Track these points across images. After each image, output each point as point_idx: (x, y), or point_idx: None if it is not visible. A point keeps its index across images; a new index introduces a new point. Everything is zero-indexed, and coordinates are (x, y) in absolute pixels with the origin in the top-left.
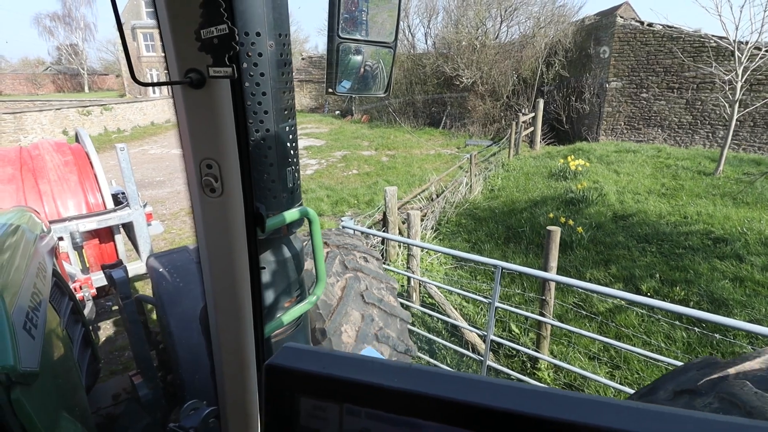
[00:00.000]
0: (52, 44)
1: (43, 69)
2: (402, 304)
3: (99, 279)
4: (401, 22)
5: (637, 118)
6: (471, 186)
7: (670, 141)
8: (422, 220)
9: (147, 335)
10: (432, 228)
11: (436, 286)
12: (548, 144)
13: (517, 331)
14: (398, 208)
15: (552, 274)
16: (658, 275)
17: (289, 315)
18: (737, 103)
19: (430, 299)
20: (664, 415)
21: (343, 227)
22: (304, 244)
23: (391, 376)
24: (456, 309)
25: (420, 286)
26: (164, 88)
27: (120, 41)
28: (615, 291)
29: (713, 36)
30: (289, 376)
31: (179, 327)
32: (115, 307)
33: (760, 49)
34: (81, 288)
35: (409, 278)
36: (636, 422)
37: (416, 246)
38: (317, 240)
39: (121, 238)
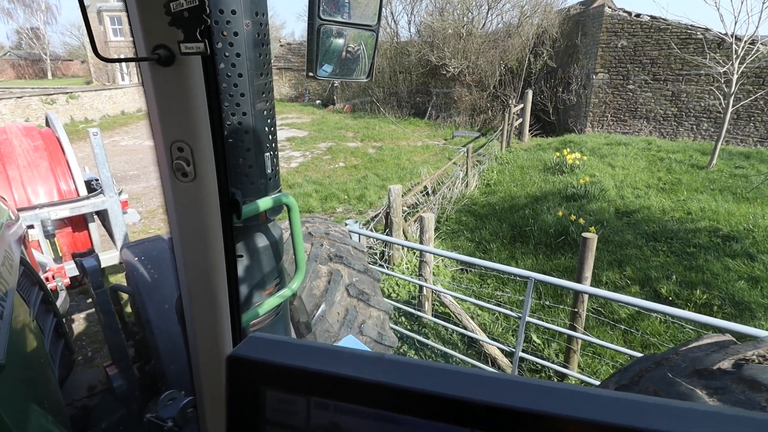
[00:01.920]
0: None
1: (2, 54)
2: (412, 314)
3: (72, 268)
4: (384, 8)
5: (624, 110)
6: (467, 181)
7: (656, 133)
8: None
9: (123, 325)
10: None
11: (452, 296)
12: (535, 135)
13: (538, 341)
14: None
15: (594, 289)
16: (674, 277)
17: (267, 304)
18: (732, 97)
19: (442, 308)
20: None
21: (349, 231)
22: (284, 232)
23: (361, 367)
24: (471, 317)
25: (432, 294)
26: (135, 75)
27: (81, 14)
28: (663, 307)
29: (699, 27)
30: (254, 367)
31: (157, 316)
32: (89, 300)
33: (754, 43)
34: (53, 278)
35: (420, 287)
36: (612, 413)
37: (430, 253)
38: (296, 228)
39: (95, 227)
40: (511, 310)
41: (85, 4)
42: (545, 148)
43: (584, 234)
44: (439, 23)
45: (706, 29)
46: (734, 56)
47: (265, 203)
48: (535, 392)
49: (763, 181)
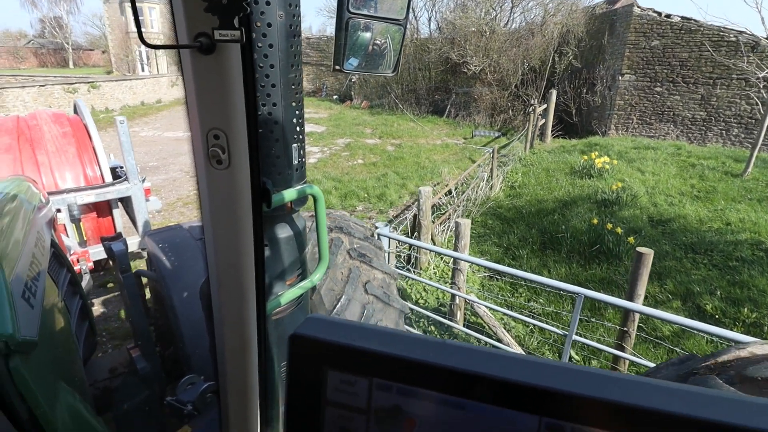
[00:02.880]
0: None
1: (26, 42)
2: (442, 323)
3: (96, 252)
4: (411, 2)
5: (650, 113)
6: (492, 183)
7: (683, 137)
8: (447, 219)
9: (146, 309)
10: None
11: (486, 306)
12: (556, 137)
13: (577, 358)
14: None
15: (653, 310)
16: (718, 292)
17: (290, 294)
18: None
19: (474, 317)
20: (669, 390)
21: (379, 235)
22: (308, 223)
23: (424, 350)
24: (506, 329)
25: (465, 304)
26: (155, 66)
27: (130, 3)
28: (721, 330)
29: (732, 30)
30: (316, 346)
31: (179, 302)
32: (111, 284)
33: None
34: (78, 261)
35: (453, 296)
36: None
37: (470, 262)
38: (322, 219)
39: (119, 213)
40: (551, 324)
41: None
42: (569, 150)
43: (638, 248)
44: (462, 20)
45: (740, 32)
46: None
47: (291, 193)
48: (604, 381)
49: None
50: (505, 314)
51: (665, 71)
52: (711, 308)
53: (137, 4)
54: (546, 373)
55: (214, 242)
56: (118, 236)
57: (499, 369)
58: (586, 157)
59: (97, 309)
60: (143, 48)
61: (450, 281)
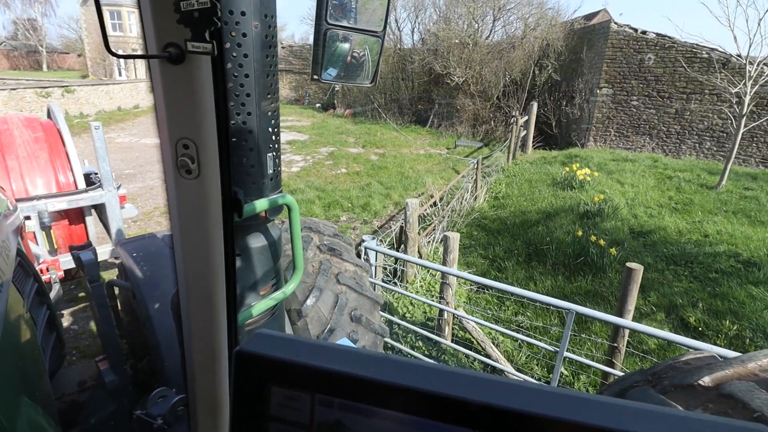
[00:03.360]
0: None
1: None
2: (430, 339)
3: (67, 261)
4: (389, 14)
5: (627, 126)
6: (476, 193)
7: (658, 150)
8: (432, 231)
9: (118, 320)
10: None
11: (475, 322)
12: (537, 148)
13: (566, 372)
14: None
15: (645, 327)
16: (700, 304)
17: (263, 304)
18: (744, 117)
19: (462, 332)
20: (633, 410)
21: (366, 249)
22: (283, 231)
23: (366, 366)
24: (494, 343)
25: (454, 319)
26: (133, 71)
27: (95, 8)
28: (707, 345)
29: (705, 47)
30: (260, 363)
31: (153, 313)
32: (82, 294)
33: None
34: (48, 270)
35: (441, 310)
36: (606, 418)
37: (459, 277)
38: (296, 229)
39: (92, 220)
40: (540, 339)
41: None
42: (551, 161)
43: (628, 264)
44: (445, 32)
45: (712, 49)
46: (747, 77)
47: (264, 203)
48: (537, 396)
49: None
50: (493, 329)
51: (641, 86)
52: (694, 321)
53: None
54: (483, 388)
55: (183, 252)
56: (88, 245)
57: (437, 384)
58: (567, 168)
59: (70, 321)
60: (120, 52)
61: (438, 296)
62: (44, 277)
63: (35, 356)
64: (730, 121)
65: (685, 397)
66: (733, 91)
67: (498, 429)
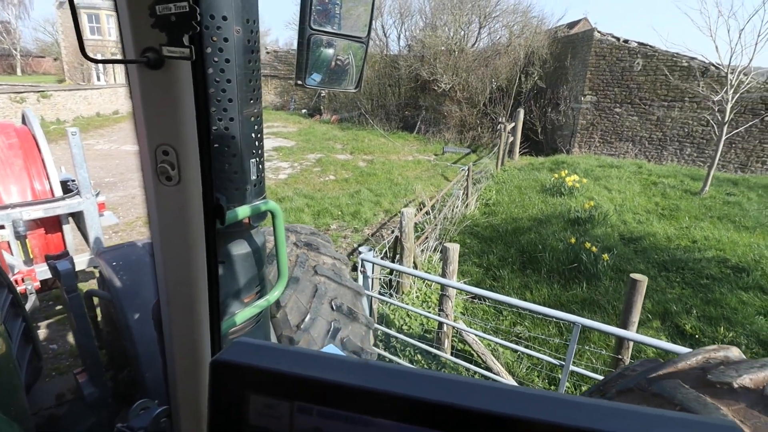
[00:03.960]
0: None
1: None
2: (429, 352)
3: (43, 271)
4: (374, 20)
5: (610, 132)
6: (468, 201)
7: (641, 156)
8: (426, 239)
9: (97, 331)
10: (437, 249)
11: (476, 335)
12: (523, 154)
13: (568, 384)
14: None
15: (650, 339)
16: (694, 311)
17: (248, 311)
18: (726, 125)
19: (462, 345)
20: (606, 409)
21: (363, 260)
22: (267, 238)
23: (345, 372)
24: (494, 355)
25: (453, 331)
26: (111, 75)
27: (71, 12)
28: None
29: (684, 56)
30: (238, 372)
31: (134, 323)
32: (59, 307)
33: (747, 74)
34: (23, 281)
35: (440, 323)
36: (584, 418)
37: (455, 288)
38: (280, 235)
39: (69, 229)
40: (544, 353)
41: (75, 1)
42: (538, 167)
43: (632, 275)
44: (431, 39)
45: (692, 58)
46: (729, 85)
47: (247, 210)
48: (516, 398)
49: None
50: (494, 342)
51: (624, 93)
52: (690, 328)
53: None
54: (462, 392)
55: (164, 261)
56: (64, 254)
57: (416, 388)
58: (556, 175)
59: (48, 338)
60: (99, 56)
61: (438, 308)
62: (19, 288)
63: (10, 369)
64: (710, 128)
65: (625, 401)
66: (715, 99)
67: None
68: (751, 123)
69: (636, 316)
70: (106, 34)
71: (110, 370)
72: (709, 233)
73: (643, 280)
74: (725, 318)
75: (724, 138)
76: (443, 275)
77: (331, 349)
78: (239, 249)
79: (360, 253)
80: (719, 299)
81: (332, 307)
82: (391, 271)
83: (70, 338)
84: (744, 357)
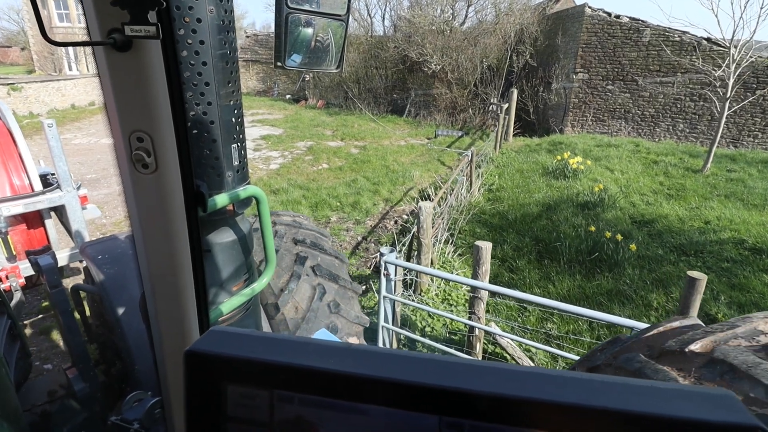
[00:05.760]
0: None
1: None
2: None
3: (27, 268)
4: None
5: (603, 110)
6: (471, 188)
7: (634, 133)
8: (435, 231)
9: (86, 326)
10: (448, 241)
11: (510, 338)
12: (516, 135)
13: None
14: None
15: None
16: (722, 297)
17: (236, 300)
18: (728, 100)
19: (492, 347)
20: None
21: (386, 263)
22: (253, 224)
23: (326, 357)
24: (529, 357)
25: (485, 335)
26: (85, 64)
27: None
28: None
29: (676, 30)
30: (213, 362)
31: (122, 316)
32: (45, 303)
33: (749, 49)
34: (7, 278)
35: (471, 327)
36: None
37: (487, 290)
38: (266, 220)
39: (52, 223)
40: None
41: None
42: (536, 149)
43: (690, 272)
44: (419, 18)
45: (683, 32)
46: (731, 60)
47: (232, 196)
48: (501, 376)
49: None
50: (532, 346)
51: (616, 70)
52: (722, 316)
53: None
54: (444, 372)
55: (146, 251)
56: (46, 249)
57: (397, 371)
58: (558, 157)
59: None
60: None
61: (468, 311)
62: (3, 286)
63: None
64: (702, 103)
65: (677, 363)
66: (717, 75)
67: (465, 413)
68: (752, 98)
69: (693, 314)
70: (75, 21)
71: (101, 364)
72: (720, 213)
73: (702, 278)
74: (754, 303)
75: (726, 114)
76: (474, 276)
77: (324, 334)
78: (224, 237)
79: (382, 255)
80: (744, 284)
81: (330, 310)
82: (410, 271)
83: (57, 334)
84: (703, 325)
